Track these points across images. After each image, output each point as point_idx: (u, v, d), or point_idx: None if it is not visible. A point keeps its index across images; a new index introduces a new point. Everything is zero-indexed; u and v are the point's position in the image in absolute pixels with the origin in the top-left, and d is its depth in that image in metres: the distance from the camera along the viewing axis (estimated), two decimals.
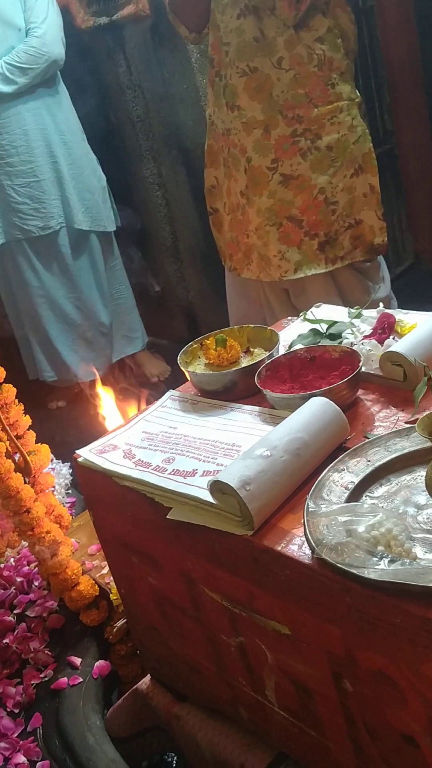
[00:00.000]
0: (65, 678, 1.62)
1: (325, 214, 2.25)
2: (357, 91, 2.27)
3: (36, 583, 1.85)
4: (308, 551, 0.93)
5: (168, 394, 1.40)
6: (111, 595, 1.69)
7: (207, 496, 1.05)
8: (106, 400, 2.13)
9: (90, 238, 3.26)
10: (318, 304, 1.58)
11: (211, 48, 2.26)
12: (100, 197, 3.24)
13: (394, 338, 1.30)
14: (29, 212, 3.12)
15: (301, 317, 1.52)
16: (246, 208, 2.31)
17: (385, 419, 1.17)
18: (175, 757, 1.75)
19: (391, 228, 2.40)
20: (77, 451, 1.27)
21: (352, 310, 1.47)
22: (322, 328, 1.43)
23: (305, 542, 0.94)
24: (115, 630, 1.68)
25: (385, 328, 1.32)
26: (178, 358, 1.41)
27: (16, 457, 1.65)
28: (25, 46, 2.93)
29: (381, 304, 1.43)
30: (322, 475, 1.03)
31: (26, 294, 3.29)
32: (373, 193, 2.29)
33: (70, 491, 2.28)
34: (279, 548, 0.97)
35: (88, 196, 3.20)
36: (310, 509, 0.96)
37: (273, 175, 2.23)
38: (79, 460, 1.26)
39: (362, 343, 1.30)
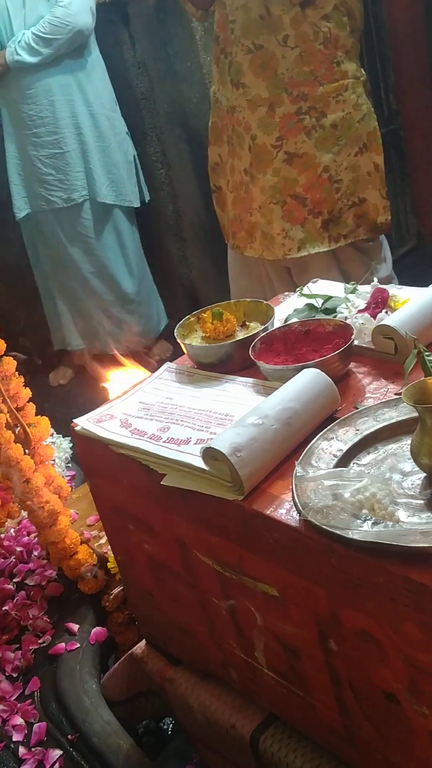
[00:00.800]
0: (63, 643, 1.66)
1: (329, 193, 2.26)
2: (362, 70, 2.27)
3: (35, 553, 1.89)
4: (296, 515, 0.96)
5: (165, 366, 1.43)
6: (108, 564, 1.72)
7: (200, 463, 1.08)
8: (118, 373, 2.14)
9: (114, 212, 3.27)
10: (315, 279, 1.60)
11: (216, 25, 2.26)
12: (125, 171, 3.25)
13: (386, 312, 1.32)
14: (54, 183, 3.15)
15: (298, 292, 1.54)
16: (250, 186, 2.32)
17: (376, 391, 1.20)
18: (171, 723, 1.80)
19: (394, 209, 2.41)
20: (75, 420, 1.30)
21: (348, 286, 1.49)
22: (318, 302, 1.45)
23: (293, 506, 0.97)
24: (112, 597, 1.72)
25: (379, 303, 1.34)
26: (175, 330, 1.44)
27: (17, 429, 1.68)
28: (50, 16, 2.93)
29: (375, 279, 1.45)
30: (311, 443, 1.06)
31: (52, 264, 3.32)
32: (378, 171, 2.29)
33: (69, 465, 2.31)
34: (268, 512, 1.00)
35: (113, 169, 3.20)
36: (298, 474, 0.99)
37: (277, 153, 2.24)
38: (77, 428, 1.29)
39: (356, 317, 1.32)
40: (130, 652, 1.56)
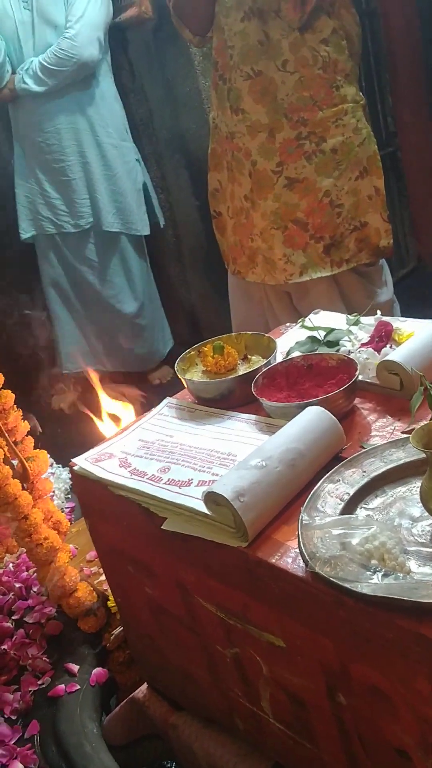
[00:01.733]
0: (63, 685, 1.61)
1: (330, 217, 2.24)
2: (361, 94, 2.26)
3: (35, 589, 1.85)
4: (302, 564, 0.92)
5: (165, 401, 1.40)
6: (109, 602, 1.68)
7: (201, 507, 1.04)
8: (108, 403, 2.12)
9: (121, 239, 3.27)
10: (316, 310, 1.57)
11: (215, 51, 2.25)
12: (134, 200, 3.25)
13: (391, 346, 1.29)
14: (62, 208, 3.17)
15: (299, 324, 1.51)
16: (250, 211, 2.30)
17: (382, 429, 1.16)
18: (174, 765, 1.75)
19: (394, 231, 2.38)
20: (73, 460, 1.27)
21: (350, 317, 1.46)
22: (320, 335, 1.42)
23: (299, 555, 0.93)
24: (113, 637, 1.67)
25: (383, 336, 1.31)
26: (176, 365, 1.41)
27: (14, 462, 1.65)
28: (56, 47, 2.93)
29: (379, 312, 1.42)
30: (317, 486, 1.02)
31: (59, 287, 3.33)
32: (378, 195, 2.28)
33: (69, 496, 2.28)
34: (273, 560, 0.96)
35: (120, 198, 3.21)
36: (304, 522, 0.95)
37: (278, 178, 2.22)
38: (75, 468, 1.26)
39: (359, 351, 1.29)
40: (131, 695, 1.52)
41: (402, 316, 2.57)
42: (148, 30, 3.15)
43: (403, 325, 1.37)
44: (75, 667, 1.65)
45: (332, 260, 2.28)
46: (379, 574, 0.86)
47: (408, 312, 2.61)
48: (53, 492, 2.19)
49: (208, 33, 2.28)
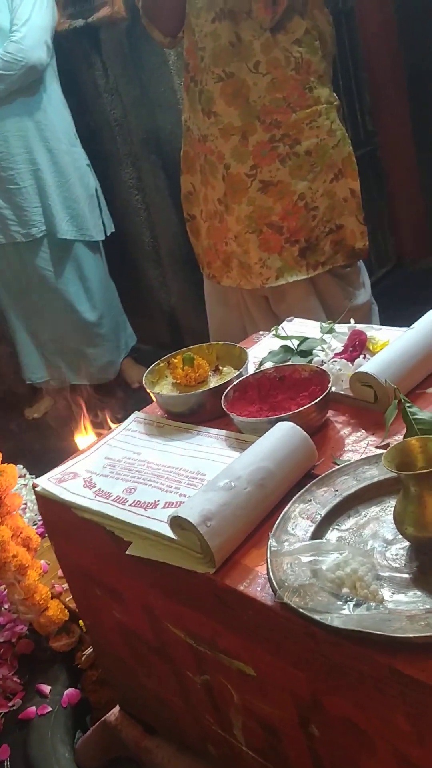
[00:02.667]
0: (34, 707, 1.57)
1: (305, 220, 2.20)
2: (335, 95, 2.22)
3: (5, 606, 1.80)
4: (271, 592, 0.88)
5: (133, 416, 1.35)
6: (80, 620, 1.63)
7: (167, 531, 1.00)
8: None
9: (75, 246, 3.19)
10: (290, 318, 1.53)
11: (185, 52, 2.20)
12: (87, 206, 3.17)
13: (365, 357, 1.25)
14: (12, 218, 3.06)
15: (273, 333, 1.47)
16: (224, 215, 2.26)
17: (355, 443, 1.12)
18: None
19: (373, 230, 2.35)
20: (35, 480, 1.22)
21: (324, 325, 1.42)
22: (293, 344, 1.38)
23: (268, 582, 0.89)
24: (85, 656, 1.63)
25: (356, 346, 1.27)
26: (144, 377, 1.36)
27: None
28: (3, 52, 2.83)
29: (352, 320, 1.38)
30: (287, 507, 0.98)
31: (13, 298, 3.24)
32: (354, 197, 2.24)
33: None
34: (241, 588, 0.92)
35: (73, 205, 3.12)
36: (272, 548, 0.91)
37: (252, 182, 2.17)
38: (37, 489, 1.21)
39: (333, 362, 1.25)
40: (103, 719, 1.47)
41: (381, 316, 2.55)
42: (122, 30, 3.10)
43: (377, 333, 1.33)
44: (47, 688, 1.61)
45: (308, 263, 2.24)
46: (351, 604, 0.82)
47: (387, 312, 2.58)
48: (25, 504, 2.14)
49: (179, 34, 2.23)
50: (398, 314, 1.72)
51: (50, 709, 1.56)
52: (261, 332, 1.56)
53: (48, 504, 1.21)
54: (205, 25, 2.08)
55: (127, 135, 3.34)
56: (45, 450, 3.13)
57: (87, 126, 3.38)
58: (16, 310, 3.30)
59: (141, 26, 2.71)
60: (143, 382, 1.35)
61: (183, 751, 1.30)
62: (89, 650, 1.62)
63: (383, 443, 1.10)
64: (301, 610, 0.82)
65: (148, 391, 1.34)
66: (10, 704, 1.60)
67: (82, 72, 3.31)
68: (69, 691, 1.60)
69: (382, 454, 1.01)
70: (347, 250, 2.26)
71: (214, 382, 1.34)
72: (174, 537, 0.99)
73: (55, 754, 1.48)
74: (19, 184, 3.03)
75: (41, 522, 2.12)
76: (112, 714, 1.46)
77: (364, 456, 1.06)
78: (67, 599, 1.68)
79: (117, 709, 1.46)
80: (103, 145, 3.42)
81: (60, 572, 1.77)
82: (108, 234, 3.29)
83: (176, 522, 0.97)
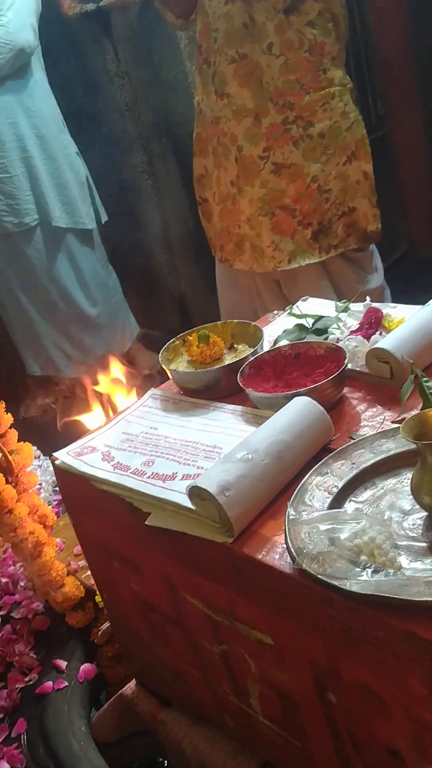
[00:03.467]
0: (50, 682, 1.59)
1: (318, 203, 2.20)
2: (348, 77, 2.22)
3: (21, 584, 1.82)
4: (289, 560, 0.89)
5: (150, 392, 1.36)
6: (97, 596, 1.65)
7: (186, 502, 1.01)
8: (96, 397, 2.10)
9: (67, 236, 3.15)
10: (305, 297, 1.54)
11: (199, 34, 2.20)
12: (78, 193, 3.14)
13: (381, 333, 1.26)
14: (2, 208, 3.01)
15: (287, 312, 1.47)
16: (237, 197, 2.26)
17: (372, 419, 1.13)
18: (166, 762, 1.73)
19: (384, 215, 2.34)
20: (54, 453, 1.23)
21: (339, 304, 1.43)
22: (308, 323, 1.38)
23: (286, 550, 0.90)
24: (101, 632, 1.65)
25: (372, 323, 1.28)
26: (160, 355, 1.37)
27: None
28: None
29: (368, 298, 1.39)
30: (304, 479, 0.99)
31: (8, 289, 3.22)
32: (367, 180, 2.24)
33: (57, 488, 2.24)
34: (259, 557, 0.93)
35: (65, 192, 3.09)
36: (291, 517, 0.92)
37: (265, 164, 2.17)
38: (57, 462, 1.22)
39: (348, 339, 1.26)
40: (119, 692, 1.49)
41: (393, 301, 2.54)
42: (133, 13, 3.09)
43: (393, 311, 1.33)
44: (63, 663, 1.63)
45: (320, 246, 2.24)
46: (369, 571, 0.83)
47: (399, 297, 2.57)
48: (40, 484, 2.16)
49: (192, 16, 2.23)
50: (409, 299, 1.72)
51: (66, 683, 1.58)
52: (275, 312, 1.56)
53: (66, 477, 1.22)
54: (218, 7, 2.08)
55: (137, 119, 3.33)
56: (56, 434, 3.15)
57: (97, 110, 3.38)
58: (13, 303, 3.28)
59: (152, 10, 2.71)
60: (159, 358, 1.36)
61: (198, 723, 1.32)
62: (105, 626, 1.64)
63: (399, 418, 1.11)
64: (319, 576, 0.83)
65: (164, 368, 1.35)
66: (26, 679, 1.62)
67: (93, 56, 3.31)
68: (85, 666, 1.62)
69: (398, 427, 1.02)
70: (360, 232, 2.26)
71: (229, 359, 1.35)
72: (192, 507, 1.00)
73: (71, 728, 1.50)
74: (10, 173, 2.98)
75: (56, 502, 2.14)
76: (128, 688, 1.48)
77: (380, 430, 1.07)
78: (83, 576, 1.70)
79: (133, 683, 1.48)
80: (113, 130, 3.41)
81: (76, 550, 1.80)
82: (102, 222, 3.27)
83: (195, 492, 0.98)
